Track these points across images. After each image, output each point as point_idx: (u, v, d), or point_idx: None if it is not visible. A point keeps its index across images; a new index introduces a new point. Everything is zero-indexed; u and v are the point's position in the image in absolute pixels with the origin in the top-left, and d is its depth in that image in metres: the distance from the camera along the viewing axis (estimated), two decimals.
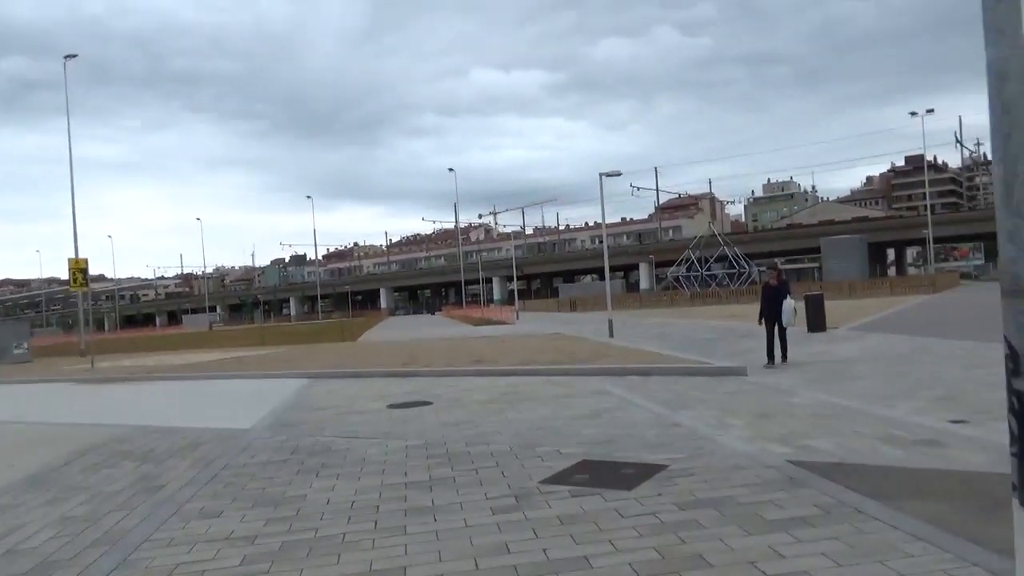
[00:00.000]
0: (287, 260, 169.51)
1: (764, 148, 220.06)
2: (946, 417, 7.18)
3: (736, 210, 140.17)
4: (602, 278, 26.12)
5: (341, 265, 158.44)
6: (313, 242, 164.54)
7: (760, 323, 12.88)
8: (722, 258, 65.35)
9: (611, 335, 21.41)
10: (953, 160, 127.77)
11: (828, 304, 20.03)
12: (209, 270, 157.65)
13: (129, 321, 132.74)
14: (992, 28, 1.94)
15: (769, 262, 56.89)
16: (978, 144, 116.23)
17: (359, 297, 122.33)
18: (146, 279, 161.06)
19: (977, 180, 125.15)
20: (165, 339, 46.94)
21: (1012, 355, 1.99)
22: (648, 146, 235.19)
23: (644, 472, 5.78)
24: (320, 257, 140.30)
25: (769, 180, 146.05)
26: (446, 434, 8.00)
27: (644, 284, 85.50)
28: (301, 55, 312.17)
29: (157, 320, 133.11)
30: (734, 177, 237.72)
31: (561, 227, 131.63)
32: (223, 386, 15.19)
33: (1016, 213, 1.95)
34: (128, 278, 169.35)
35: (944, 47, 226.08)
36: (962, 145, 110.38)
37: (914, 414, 7.47)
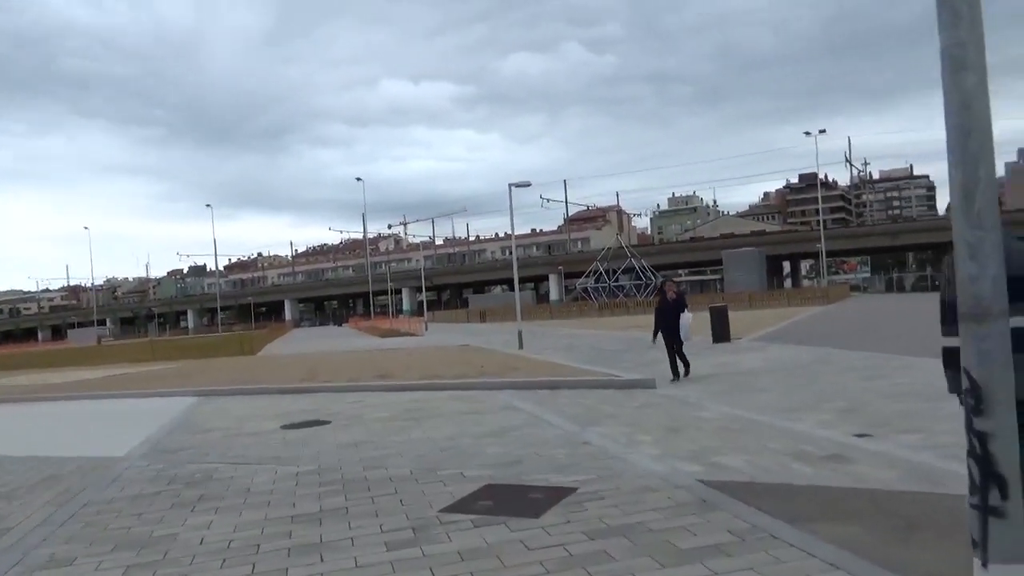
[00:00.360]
0: (185, 271, 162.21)
1: (669, 163, 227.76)
2: (850, 431, 7.18)
3: (642, 223, 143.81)
4: (512, 289, 25.95)
5: (244, 276, 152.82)
6: (213, 252, 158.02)
7: (654, 342, 12.32)
8: (629, 269, 66.55)
9: (520, 346, 21.17)
10: (842, 178, 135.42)
11: (730, 315, 20.41)
12: (99, 282, 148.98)
13: (7, 337, 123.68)
14: (947, 8, 1.66)
15: (666, 275, 58.06)
16: (865, 163, 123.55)
17: (263, 309, 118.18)
18: (28, 292, 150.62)
19: (864, 197, 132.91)
20: (47, 355, 43.68)
21: (973, 389, 1.72)
22: (558, 159, 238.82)
23: (552, 496, 5.44)
24: (221, 268, 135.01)
25: (674, 194, 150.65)
26: (342, 457, 7.45)
27: (554, 295, 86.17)
28: (201, 59, 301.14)
29: (40, 335, 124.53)
30: (640, 191, 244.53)
31: (471, 238, 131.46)
32: (102, 407, 13.98)
33: (977, 224, 1.68)
34: (7, 291, 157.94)
35: (835, 71, 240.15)
36: (851, 164, 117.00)
37: (820, 427, 7.46)
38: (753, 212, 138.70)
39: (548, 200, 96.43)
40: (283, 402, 12.37)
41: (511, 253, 28.16)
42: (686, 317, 11.93)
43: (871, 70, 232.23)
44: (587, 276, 69.70)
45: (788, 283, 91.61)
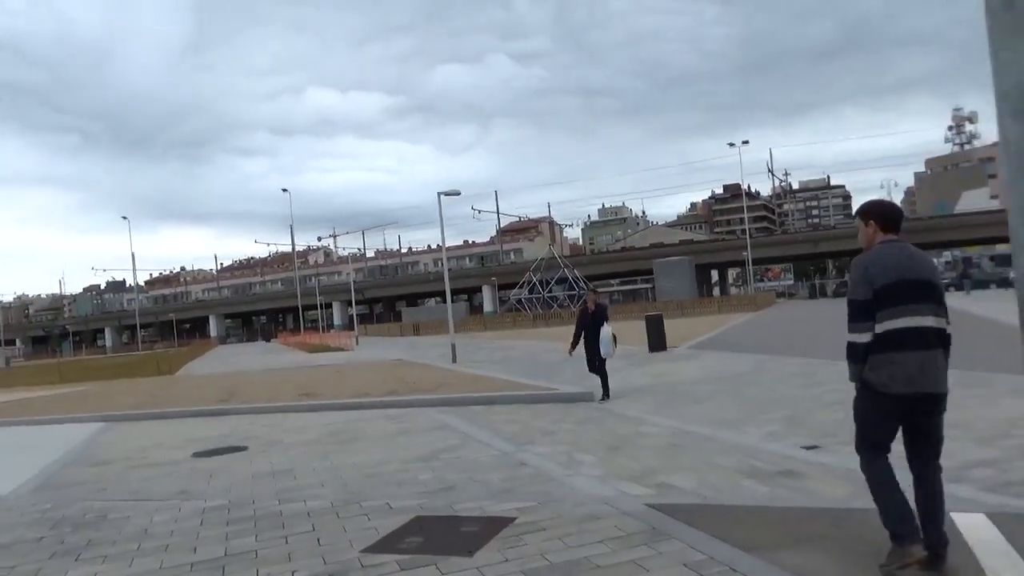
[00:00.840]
0: (103, 287, 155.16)
1: (598, 175, 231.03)
2: (798, 442, 6.90)
3: (574, 233, 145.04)
4: (446, 301, 25.42)
5: (166, 291, 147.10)
6: (132, 266, 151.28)
7: (571, 354, 11.42)
8: (562, 280, 66.67)
9: (454, 360, 20.57)
10: (764, 188, 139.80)
11: (665, 323, 20.27)
12: (9, 299, 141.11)
13: None
14: None
15: (597, 285, 57.50)
16: (786, 174, 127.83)
17: (187, 326, 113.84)
18: None
19: (785, 207, 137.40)
20: None
21: None
22: (489, 171, 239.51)
23: (488, 529, 4.91)
24: (142, 283, 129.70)
25: (604, 205, 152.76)
26: (257, 489, 6.74)
27: (488, 306, 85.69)
28: (117, 66, 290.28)
29: None
30: (571, 202, 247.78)
31: (403, 250, 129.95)
32: None
33: None
34: None
35: (753, 87, 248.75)
36: (773, 175, 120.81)
37: (767, 440, 7.16)
38: (681, 222, 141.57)
39: (480, 211, 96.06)
40: (197, 427, 11.46)
41: (444, 264, 27.57)
42: (606, 331, 10.87)
43: (785, 86, 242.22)
44: (520, 287, 69.52)
45: (717, 291, 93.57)
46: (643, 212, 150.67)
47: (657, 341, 18.91)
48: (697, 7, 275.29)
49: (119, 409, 14.20)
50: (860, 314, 3.62)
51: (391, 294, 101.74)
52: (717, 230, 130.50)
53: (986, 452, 6.11)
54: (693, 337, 23.68)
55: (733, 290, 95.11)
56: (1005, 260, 70.89)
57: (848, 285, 3.79)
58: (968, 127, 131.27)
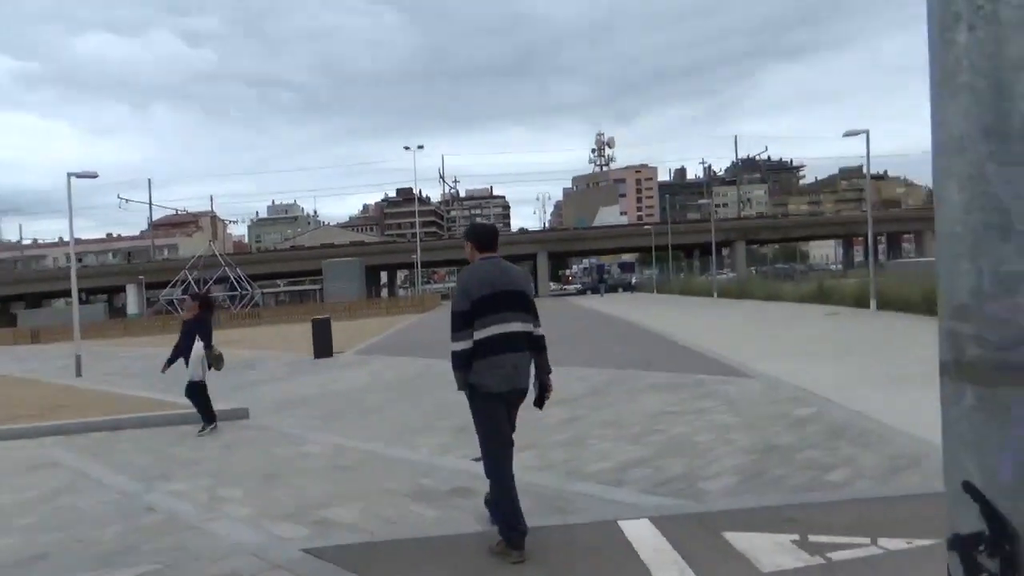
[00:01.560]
0: None
1: (269, 170, 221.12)
2: (468, 454, 6.59)
3: (240, 230, 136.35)
4: (81, 302, 21.26)
5: None
6: None
7: (164, 371, 9.45)
8: (223, 279, 61.68)
9: (78, 374, 17.32)
10: (435, 194, 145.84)
11: (332, 326, 19.37)
12: None
13: None
14: None
15: (262, 286, 53.86)
16: (455, 182, 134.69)
17: None
18: None
19: (453, 213, 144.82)
20: None
21: (997, 536, 0.77)
22: (144, 157, 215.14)
23: None
24: None
25: (274, 202, 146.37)
26: None
27: (133, 308, 76.02)
28: None
29: None
30: (238, 197, 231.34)
31: (27, 242, 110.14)
32: None
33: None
34: None
35: (431, 97, 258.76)
36: (444, 181, 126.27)
37: (438, 454, 6.77)
38: (353, 224, 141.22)
39: (127, 200, 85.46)
40: None
41: (80, 260, 23.27)
42: (197, 349, 8.93)
43: (460, 98, 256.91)
44: (173, 286, 62.85)
45: (385, 292, 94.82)
46: (315, 212, 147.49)
47: (323, 346, 17.93)
48: (377, 10, 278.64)
49: None
50: (461, 324, 4.03)
51: (6, 293, 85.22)
52: (388, 232, 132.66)
53: (638, 450, 6.37)
54: (361, 340, 23.12)
55: (401, 291, 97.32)
56: (629, 267, 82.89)
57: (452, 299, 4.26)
58: (607, 151, 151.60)
